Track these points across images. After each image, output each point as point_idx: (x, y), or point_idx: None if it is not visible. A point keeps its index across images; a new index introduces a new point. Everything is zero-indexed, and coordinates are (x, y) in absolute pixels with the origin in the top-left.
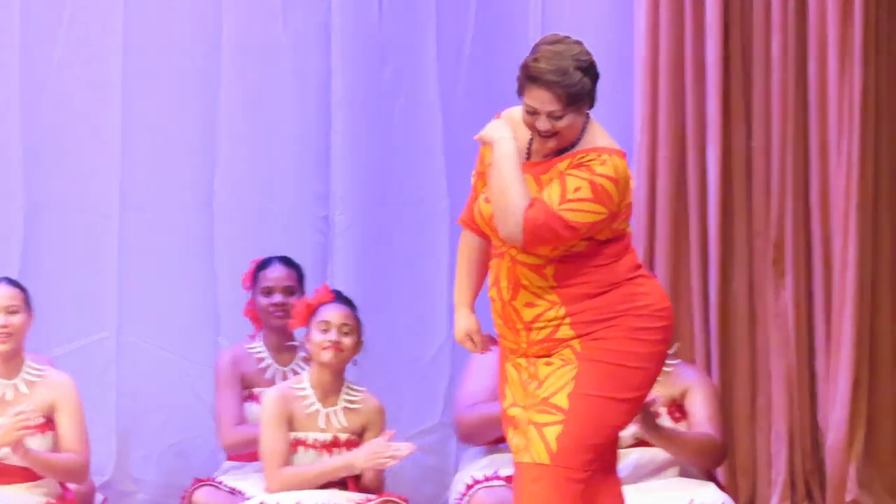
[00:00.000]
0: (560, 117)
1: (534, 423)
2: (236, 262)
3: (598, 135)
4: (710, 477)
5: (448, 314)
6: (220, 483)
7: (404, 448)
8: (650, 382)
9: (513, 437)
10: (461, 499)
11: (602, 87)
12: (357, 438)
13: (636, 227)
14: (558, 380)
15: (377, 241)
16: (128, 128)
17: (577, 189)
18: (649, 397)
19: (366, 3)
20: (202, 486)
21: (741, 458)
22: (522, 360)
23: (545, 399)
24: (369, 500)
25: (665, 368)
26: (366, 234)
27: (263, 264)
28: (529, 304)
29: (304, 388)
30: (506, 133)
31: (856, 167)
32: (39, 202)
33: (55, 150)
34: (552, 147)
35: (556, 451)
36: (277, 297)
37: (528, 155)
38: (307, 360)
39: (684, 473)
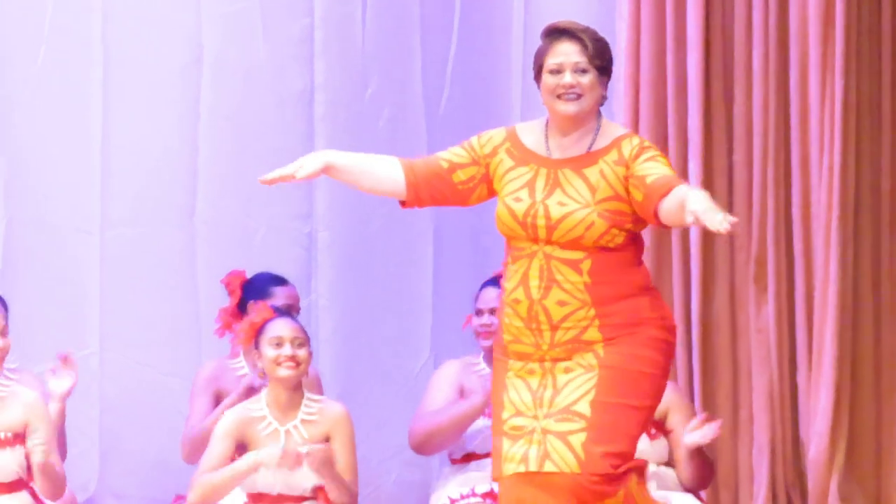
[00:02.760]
0: (585, 71)
1: (553, 432)
2: (219, 278)
3: (612, 125)
4: (693, 488)
5: (432, 330)
6: None
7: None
8: (661, 393)
9: (511, 447)
10: None
11: None
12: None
13: None
14: (579, 387)
15: (361, 257)
16: (108, 143)
17: (670, 166)
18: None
19: (348, 19)
20: (182, 501)
21: (723, 471)
22: (535, 366)
23: (566, 407)
24: None
25: None
26: (349, 251)
27: (264, 281)
28: (561, 303)
29: (261, 409)
30: None
31: (837, 181)
32: (20, 217)
33: (36, 165)
34: (572, 113)
35: (584, 459)
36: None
37: (548, 151)
38: (262, 375)
39: (662, 486)
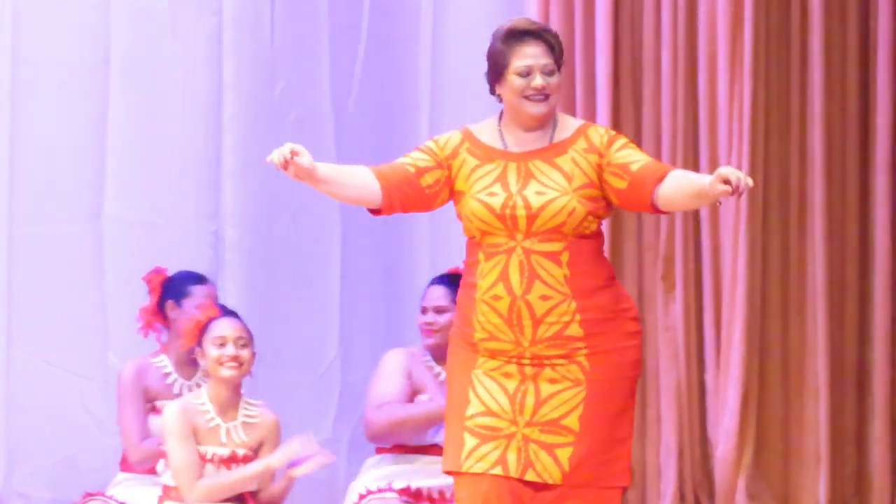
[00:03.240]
0: (552, 73)
1: (539, 442)
2: (126, 276)
3: (567, 117)
4: None
5: (339, 330)
6: (110, 497)
7: (325, 456)
8: (635, 386)
9: (479, 446)
10: None
11: (490, 104)
12: (253, 454)
13: None
14: (568, 402)
15: (268, 256)
16: (16, 141)
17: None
18: None
19: (257, 18)
20: (92, 499)
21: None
22: (512, 368)
23: (554, 420)
24: None
25: None
26: (257, 249)
27: (185, 279)
28: (544, 297)
29: (203, 403)
30: None
31: None
32: None
33: None
34: (542, 114)
35: (568, 471)
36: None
37: (505, 146)
38: (206, 374)
39: None
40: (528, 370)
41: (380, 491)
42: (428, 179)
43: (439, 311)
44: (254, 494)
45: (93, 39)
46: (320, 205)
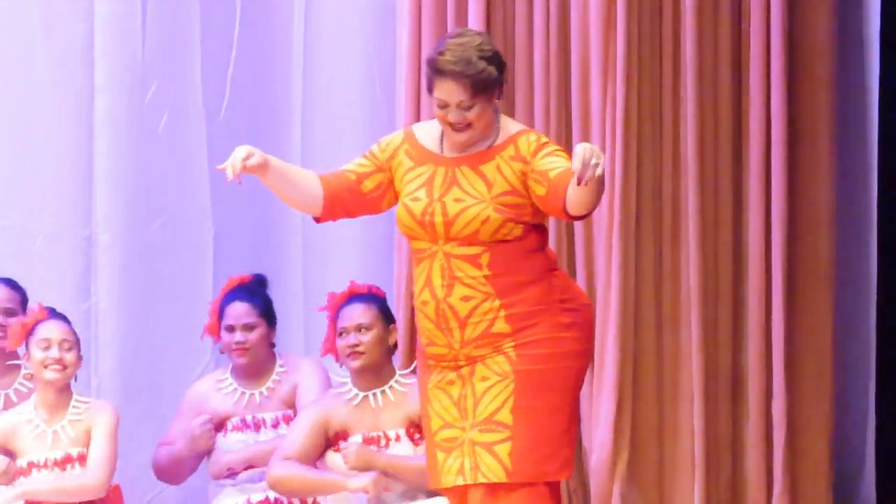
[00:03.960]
0: (469, 107)
1: (480, 443)
2: None
3: (511, 122)
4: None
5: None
6: None
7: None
8: (582, 377)
9: (445, 460)
10: None
11: (366, 100)
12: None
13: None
14: (498, 396)
15: (141, 260)
16: None
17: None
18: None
19: (128, 22)
20: None
21: None
22: (453, 375)
23: (488, 418)
24: None
25: (400, 388)
26: (129, 253)
27: None
28: (465, 298)
29: (29, 412)
30: None
31: (618, 188)
32: None
33: None
34: (465, 140)
35: (511, 468)
36: None
37: (442, 150)
38: (29, 377)
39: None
40: (465, 371)
41: None
42: (368, 185)
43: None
44: None
45: None
46: (193, 208)
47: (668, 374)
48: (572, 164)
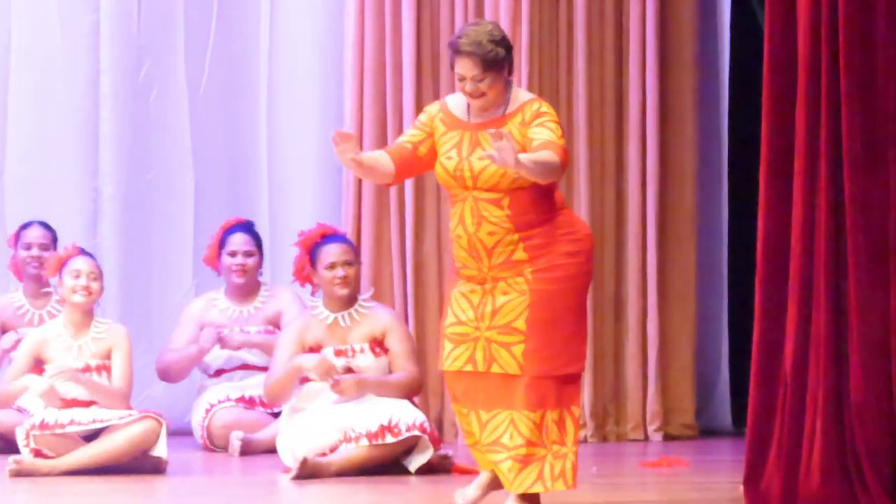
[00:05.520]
0: (482, 80)
1: (497, 342)
2: (24, 221)
3: (522, 93)
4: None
5: (193, 263)
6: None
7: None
8: (586, 293)
9: (452, 350)
10: (204, 418)
11: (317, 85)
12: (107, 362)
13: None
14: (514, 309)
15: (137, 206)
16: None
17: (559, 132)
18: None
19: (127, 15)
20: None
21: (431, 382)
22: (477, 287)
23: (506, 324)
24: (132, 416)
25: (363, 311)
26: (128, 201)
27: (25, 226)
28: (491, 233)
29: (58, 328)
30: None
31: None
32: None
33: None
34: (482, 105)
35: (523, 364)
36: (35, 252)
37: (468, 118)
38: (60, 302)
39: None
40: (488, 286)
41: (220, 402)
42: (422, 150)
43: (248, 254)
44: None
45: None
46: (177, 163)
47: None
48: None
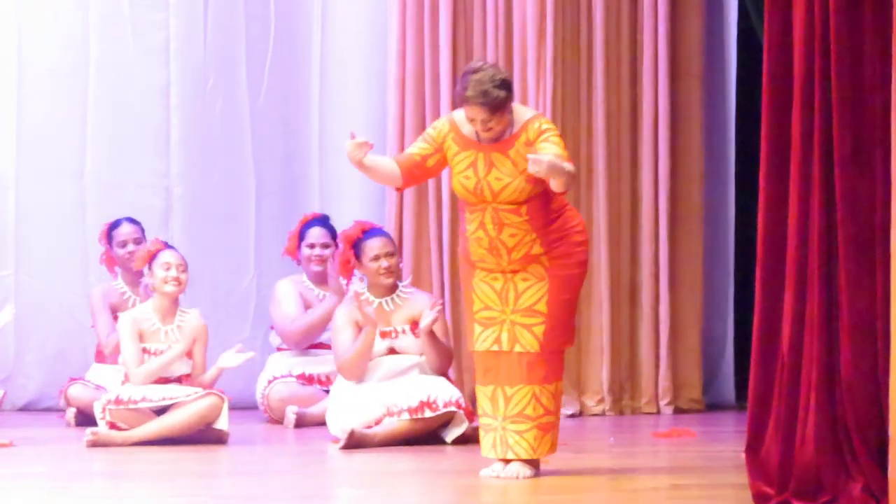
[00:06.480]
0: (490, 120)
1: (520, 323)
2: (104, 221)
3: (521, 111)
4: (443, 375)
5: (255, 258)
6: (87, 380)
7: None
8: (585, 277)
9: (482, 332)
10: (264, 390)
11: (363, 95)
12: (186, 349)
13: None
14: (536, 292)
15: (203, 205)
16: (21, 120)
17: (563, 145)
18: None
19: (194, 32)
20: (74, 382)
21: (466, 360)
22: (499, 275)
23: (529, 307)
24: (198, 393)
25: (404, 296)
26: (195, 200)
27: (115, 225)
28: (512, 235)
29: (148, 312)
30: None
31: None
32: None
33: None
34: (490, 136)
35: (543, 342)
36: (130, 248)
37: (479, 139)
38: (153, 289)
39: (422, 371)
40: (509, 274)
41: (282, 377)
42: (430, 162)
43: (325, 246)
44: (186, 378)
45: (77, 46)
46: (240, 166)
47: (584, 285)
48: (529, 166)
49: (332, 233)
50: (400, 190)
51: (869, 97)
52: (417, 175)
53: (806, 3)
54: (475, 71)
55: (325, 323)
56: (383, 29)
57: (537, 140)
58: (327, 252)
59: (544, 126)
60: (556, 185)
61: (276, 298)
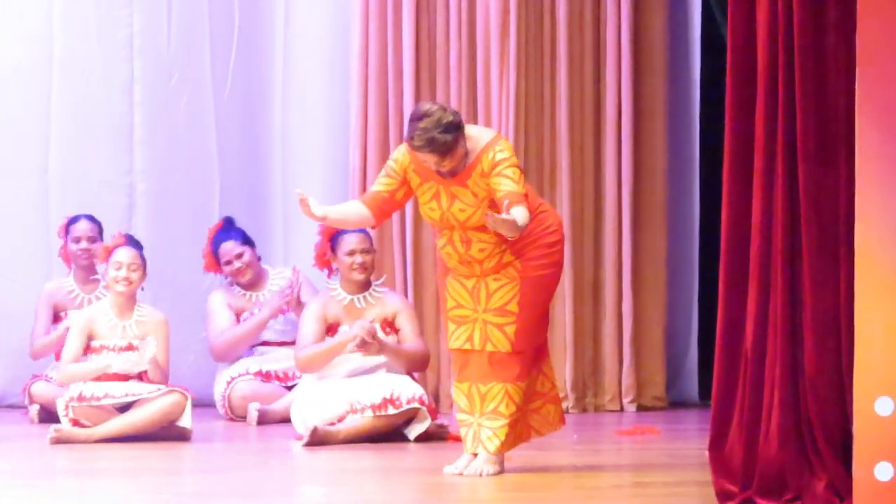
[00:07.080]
0: (442, 161)
1: (492, 322)
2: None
3: (476, 138)
4: (407, 373)
5: None
6: (50, 377)
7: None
8: (559, 275)
9: (455, 330)
10: (225, 390)
11: (326, 91)
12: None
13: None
14: (507, 293)
15: (167, 202)
16: None
17: (517, 175)
18: (368, 324)
19: (157, 29)
20: (37, 379)
21: (431, 359)
22: (473, 278)
23: (500, 307)
24: (161, 390)
25: (377, 294)
26: (159, 197)
27: (73, 220)
28: (482, 250)
29: (105, 310)
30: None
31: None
32: None
33: None
34: (446, 171)
35: (514, 341)
36: (84, 244)
37: (440, 174)
38: (106, 287)
39: (390, 372)
40: (480, 276)
41: (240, 375)
42: (399, 195)
43: (239, 256)
44: (143, 375)
45: (41, 43)
46: (204, 163)
47: None
48: (491, 222)
49: (242, 237)
50: (374, 227)
51: (832, 94)
52: (388, 210)
53: (769, 0)
54: (421, 118)
55: (250, 337)
56: (346, 25)
57: (491, 173)
58: (247, 257)
59: (499, 157)
60: (507, 235)
61: (207, 310)
